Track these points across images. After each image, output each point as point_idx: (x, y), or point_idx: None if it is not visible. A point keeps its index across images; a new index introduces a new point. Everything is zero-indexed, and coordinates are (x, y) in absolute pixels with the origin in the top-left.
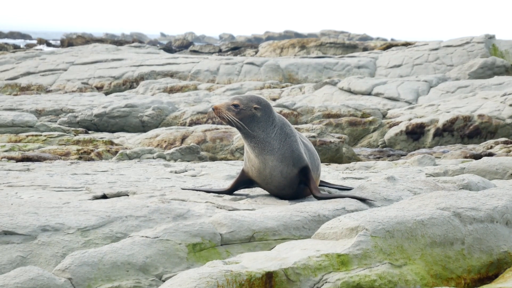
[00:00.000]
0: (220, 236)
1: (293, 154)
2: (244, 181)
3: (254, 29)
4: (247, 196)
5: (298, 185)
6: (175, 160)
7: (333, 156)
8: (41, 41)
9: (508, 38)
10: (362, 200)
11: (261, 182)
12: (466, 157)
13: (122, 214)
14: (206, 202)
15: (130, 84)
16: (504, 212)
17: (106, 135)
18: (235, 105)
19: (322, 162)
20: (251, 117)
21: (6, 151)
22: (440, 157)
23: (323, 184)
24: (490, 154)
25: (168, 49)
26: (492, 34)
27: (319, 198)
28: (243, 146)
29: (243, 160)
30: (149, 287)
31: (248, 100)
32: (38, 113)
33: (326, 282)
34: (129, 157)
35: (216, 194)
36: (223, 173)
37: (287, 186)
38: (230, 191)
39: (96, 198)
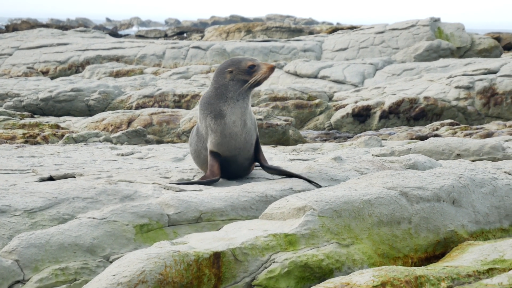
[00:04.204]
0: (167, 217)
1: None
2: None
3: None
4: (194, 177)
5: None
6: (122, 143)
7: (280, 138)
8: None
9: (453, 21)
10: (309, 181)
11: (232, 152)
12: (412, 139)
13: (69, 195)
14: (153, 183)
15: (76, 68)
16: (450, 191)
17: (52, 119)
18: None
19: (269, 144)
20: None
21: None
22: (386, 139)
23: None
24: (436, 136)
25: (114, 33)
26: (438, 17)
27: (267, 168)
28: (189, 129)
29: (189, 142)
30: (96, 268)
31: None
32: None
33: (273, 262)
34: (76, 141)
35: (164, 176)
36: (170, 155)
37: (250, 157)
38: (219, 178)
39: (42, 180)
